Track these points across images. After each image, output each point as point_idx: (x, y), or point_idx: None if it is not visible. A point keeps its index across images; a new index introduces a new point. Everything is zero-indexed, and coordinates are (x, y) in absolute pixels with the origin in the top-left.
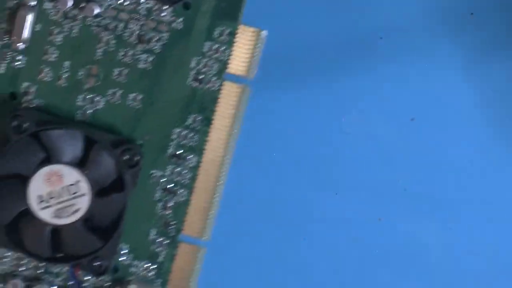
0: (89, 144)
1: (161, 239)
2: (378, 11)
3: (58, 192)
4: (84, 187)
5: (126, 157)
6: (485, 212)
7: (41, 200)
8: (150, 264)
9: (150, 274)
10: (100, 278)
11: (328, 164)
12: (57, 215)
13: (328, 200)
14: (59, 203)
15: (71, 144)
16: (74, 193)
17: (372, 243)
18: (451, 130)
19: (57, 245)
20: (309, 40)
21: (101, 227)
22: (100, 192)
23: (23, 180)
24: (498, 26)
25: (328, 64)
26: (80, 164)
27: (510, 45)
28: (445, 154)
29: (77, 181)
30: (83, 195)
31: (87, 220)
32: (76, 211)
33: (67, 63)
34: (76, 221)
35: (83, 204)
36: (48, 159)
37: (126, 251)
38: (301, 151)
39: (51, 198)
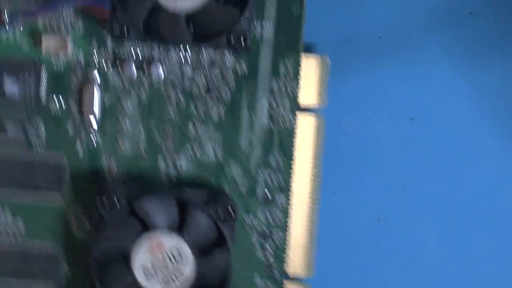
0: (183, 206)
1: (267, 282)
2: (378, 11)
3: (161, 261)
4: (186, 250)
5: (221, 211)
6: (485, 212)
7: (146, 271)
8: None
9: None
10: None
11: (328, 164)
12: (165, 284)
13: (328, 200)
14: (164, 271)
15: (165, 210)
16: (177, 258)
17: (372, 243)
18: (451, 130)
19: None
20: (308, 39)
21: (210, 286)
22: (202, 251)
23: (125, 254)
24: (497, 26)
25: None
26: (178, 227)
27: (509, 45)
28: (444, 154)
29: (178, 246)
30: (186, 258)
31: (196, 282)
32: (182, 276)
33: (141, 129)
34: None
35: (188, 267)
36: (145, 229)
37: None
38: None
39: (156, 268)
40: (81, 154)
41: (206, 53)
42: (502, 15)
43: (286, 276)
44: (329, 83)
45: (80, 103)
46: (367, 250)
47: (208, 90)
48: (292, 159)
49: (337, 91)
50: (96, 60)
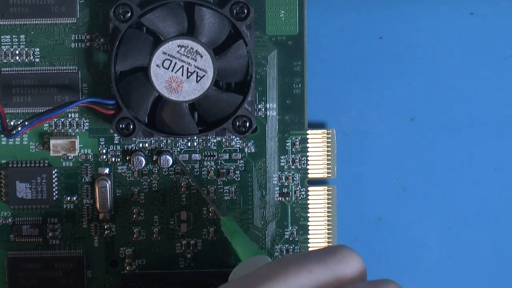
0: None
1: None
2: (378, 11)
3: None
4: None
5: None
6: (484, 212)
7: None
8: None
9: None
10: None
11: None
12: None
13: None
14: None
15: None
16: None
17: (372, 243)
18: (451, 130)
19: None
20: (309, 39)
21: None
22: None
23: None
24: (497, 26)
25: (328, 64)
26: None
27: (509, 45)
28: (444, 153)
29: None
30: None
31: None
32: None
33: (156, 217)
34: None
35: None
36: None
37: None
38: None
39: None
40: (97, 247)
41: (213, 138)
42: (502, 15)
43: None
44: (329, 82)
45: (93, 199)
46: (367, 250)
47: (218, 174)
48: (307, 231)
49: (337, 90)
50: (104, 157)
